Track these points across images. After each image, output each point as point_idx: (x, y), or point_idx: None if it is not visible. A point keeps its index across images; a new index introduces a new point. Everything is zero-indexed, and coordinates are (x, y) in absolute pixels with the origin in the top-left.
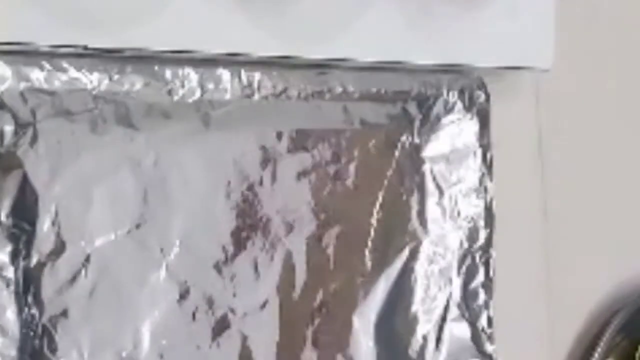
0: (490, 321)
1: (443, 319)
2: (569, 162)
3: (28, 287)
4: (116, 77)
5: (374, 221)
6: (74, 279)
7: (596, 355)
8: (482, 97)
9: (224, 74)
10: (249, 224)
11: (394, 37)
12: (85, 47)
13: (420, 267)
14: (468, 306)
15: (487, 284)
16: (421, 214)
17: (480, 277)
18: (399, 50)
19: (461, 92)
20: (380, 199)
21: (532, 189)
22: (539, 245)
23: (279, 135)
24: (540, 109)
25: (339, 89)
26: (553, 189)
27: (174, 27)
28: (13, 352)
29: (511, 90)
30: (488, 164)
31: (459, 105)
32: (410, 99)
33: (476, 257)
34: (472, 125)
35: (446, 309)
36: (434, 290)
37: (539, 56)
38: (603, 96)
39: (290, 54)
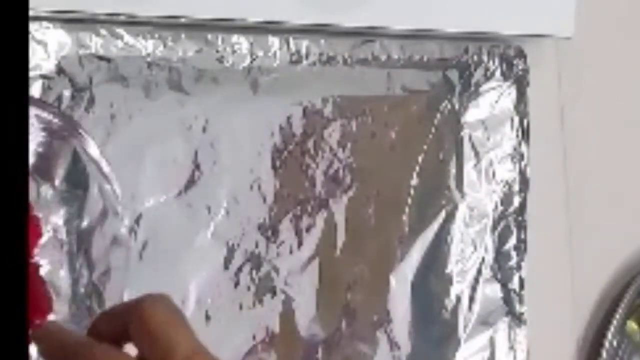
0: (521, 282)
1: (476, 279)
2: (591, 131)
3: (80, 247)
4: (170, 44)
5: (413, 184)
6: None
7: (617, 316)
8: (521, 66)
9: (274, 41)
10: (293, 187)
11: (419, 5)
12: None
13: (456, 230)
14: (500, 268)
15: (520, 247)
16: (458, 178)
17: (514, 240)
18: (420, 18)
19: (501, 60)
20: (419, 163)
21: (553, 156)
22: (561, 209)
23: (324, 101)
24: (562, 78)
25: (384, 57)
26: (575, 156)
27: None
28: (65, 309)
29: (533, 59)
30: (524, 131)
31: (498, 72)
32: (452, 67)
33: (510, 221)
34: (510, 93)
35: (479, 270)
36: (468, 252)
37: (560, 24)
38: (627, 64)
39: (325, 22)
